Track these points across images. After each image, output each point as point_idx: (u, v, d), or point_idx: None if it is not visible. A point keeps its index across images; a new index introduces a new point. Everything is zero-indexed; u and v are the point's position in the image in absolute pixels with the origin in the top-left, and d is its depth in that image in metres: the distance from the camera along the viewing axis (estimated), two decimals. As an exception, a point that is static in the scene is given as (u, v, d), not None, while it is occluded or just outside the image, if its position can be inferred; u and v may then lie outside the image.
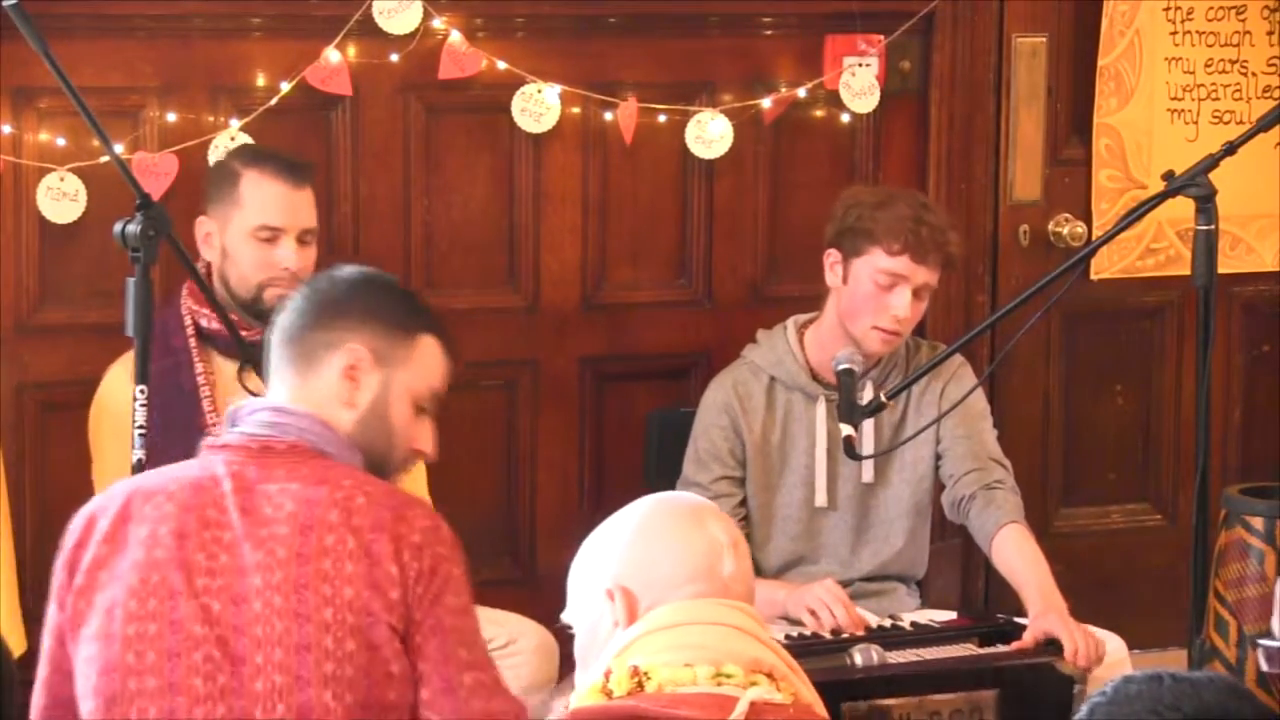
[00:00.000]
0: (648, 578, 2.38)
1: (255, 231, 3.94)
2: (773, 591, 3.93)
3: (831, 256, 4.08)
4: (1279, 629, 2.18)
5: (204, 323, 3.95)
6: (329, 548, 2.65)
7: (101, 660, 2.66)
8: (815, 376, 4.14)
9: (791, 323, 4.19)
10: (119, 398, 3.91)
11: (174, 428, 3.90)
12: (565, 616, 2.48)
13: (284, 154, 4.12)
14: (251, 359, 3.59)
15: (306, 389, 2.82)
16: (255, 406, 2.81)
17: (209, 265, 4.00)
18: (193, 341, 3.95)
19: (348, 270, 2.94)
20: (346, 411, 2.81)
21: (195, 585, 2.65)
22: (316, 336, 2.83)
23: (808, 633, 3.79)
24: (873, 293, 4.00)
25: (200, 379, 3.93)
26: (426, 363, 2.89)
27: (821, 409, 4.11)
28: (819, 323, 4.15)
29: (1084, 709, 1.97)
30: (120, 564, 2.69)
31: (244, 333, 3.92)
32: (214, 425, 3.91)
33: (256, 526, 2.67)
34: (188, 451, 3.89)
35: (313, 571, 2.64)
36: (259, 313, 3.94)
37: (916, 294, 4.00)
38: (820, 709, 2.35)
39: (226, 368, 3.95)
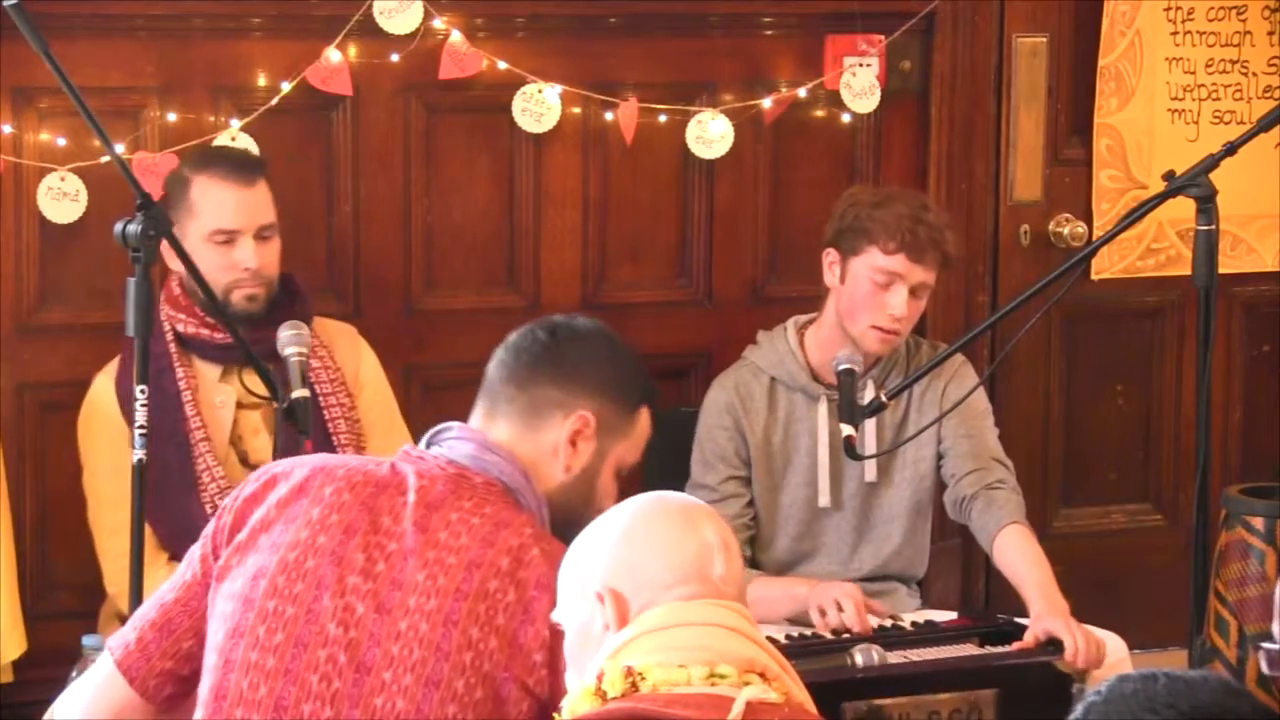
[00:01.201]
0: (638, 580, 2.37)
1: (211, 236, 3.91)
2: (793, 587, 3.93)
3: (830, 256, 4.09)
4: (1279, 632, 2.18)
5: (181, 328, 3.94)
6: (489, 592, 2.60)
7: (234, 621, 2.64)
8: (816, 377, 4.14)
9: (792, 323, 4.19)
10: (106, 406, 3.92)
11: (157, 432, 3.89)
12: (555, 616, 2.48)
13: (233, 153, 4.12)
14: (253, 361, 3.58)
15: (525, 439, 2.76)
16: (463, 435, 2.76)
17: (179, 276, 3.97)
18: (172, 346, 3.94)
19: (587, 327, 2.86)
20: (562, 475, 2.77)
21: (346, 583, 2.62)
22: (549, 393, 2.77)
23: (808, 633, 3.80)
24: (870, 292, 4.01)
25: (182, 383, 3.92)
26: (640, 434, 2.85)
27: (823, 409, 4.11)
28: (819, 323, 4.16)
29: (1079, 709, 1.97)
30: (283, 535, 2.66)
31: (215, 335, 3.91)
32: (197, 429, 3.90)
33: (427, 547, 2.63)
34: (172, 455, 3.89)
35: (466, 611, 2.59)
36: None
37: (914, 293, 4.01)
38: (811, 707, 2.35)
39: (207, 371, 3.95)
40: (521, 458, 2.75)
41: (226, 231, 3.92)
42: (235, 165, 3.99)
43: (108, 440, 3.93)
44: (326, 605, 2.61)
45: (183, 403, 3.91)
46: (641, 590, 2.37)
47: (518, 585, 2.61)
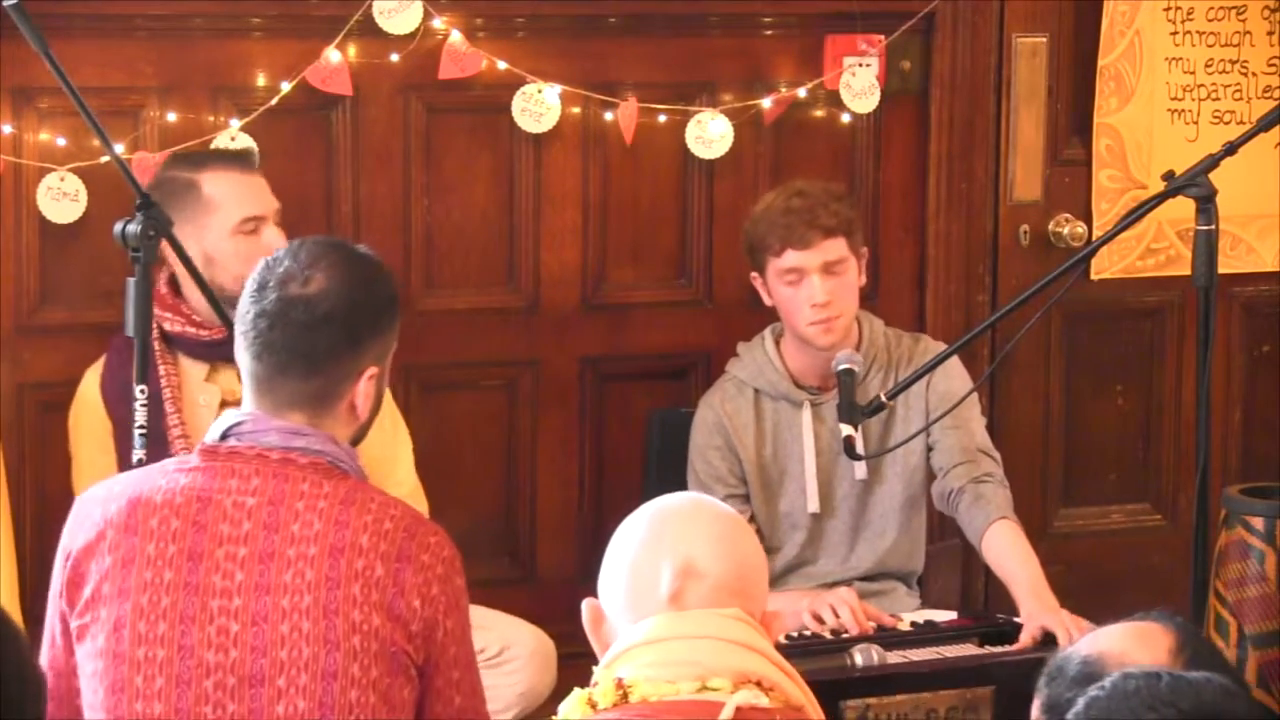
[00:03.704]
0: (606, 597, 2.41)
1: (240, 226, 3.89)
2: (797, 602, 3.93)
3: (756, 280, 4.15)
4: None
5: (167, 325, 3.92)
6: (359, 572, 2.62)
7: (109, 678, 2.63)
8: (797, 383, 4.14)
9: (769, 331, 4.21)
10: (91, 402, 3.91)
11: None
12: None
13: (223, 149, 4.14)
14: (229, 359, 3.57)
15: (322, 415, 2.74)
16: (261, 425, 2.72)
17: (168, 273, 3.94)
18: (157, 345, 3.91)
19: (335, 273, 2.77)
20: (355, 424, 2.78)
21: (210, 608, 2.62)
22: (333, 374, 2.74)
23: (808, 633, 3.80)
24: (790, 295, 4.06)
25: (163, 381, 3.89)
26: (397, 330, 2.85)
27: (807, 415, 4.12)
28: (786, 334, 4.18)
29: (1081, 703, 1.98)
30: (127, 580, 2.65)
31: (202, 333, 3.89)
32: (174, 427, 3.89)
33: (284, 545, 2.63)
34: (151, 453, 3.89)
35: (343, 597, 2.61)
36: None
37: (829, 272, 4.02)
38: (814, 713, 2.35)
39: (193, 370, 3.92)
40: (325, 428, 2.73)
41: (254, 218, 3.90)
42: (235, 157, 4.01)
43: (91, 435, 3.93)
44: (197, 637, 2.61)
45: (163, 400, 3.89)
46: (610, 608, 2.39)
47: (382, 559, 2.63)
